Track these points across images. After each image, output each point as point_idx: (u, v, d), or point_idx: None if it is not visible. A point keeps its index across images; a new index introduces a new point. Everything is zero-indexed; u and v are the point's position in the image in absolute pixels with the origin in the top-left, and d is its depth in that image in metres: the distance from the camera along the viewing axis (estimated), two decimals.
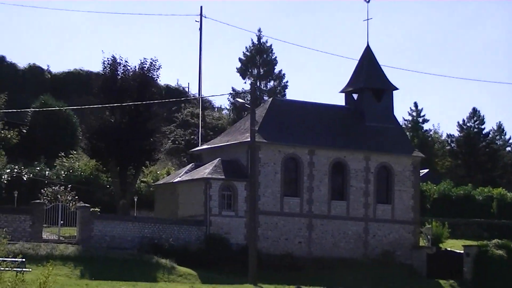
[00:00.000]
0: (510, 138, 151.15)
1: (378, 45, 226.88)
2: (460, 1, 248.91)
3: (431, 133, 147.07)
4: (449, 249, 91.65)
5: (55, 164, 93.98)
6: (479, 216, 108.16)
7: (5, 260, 57.96)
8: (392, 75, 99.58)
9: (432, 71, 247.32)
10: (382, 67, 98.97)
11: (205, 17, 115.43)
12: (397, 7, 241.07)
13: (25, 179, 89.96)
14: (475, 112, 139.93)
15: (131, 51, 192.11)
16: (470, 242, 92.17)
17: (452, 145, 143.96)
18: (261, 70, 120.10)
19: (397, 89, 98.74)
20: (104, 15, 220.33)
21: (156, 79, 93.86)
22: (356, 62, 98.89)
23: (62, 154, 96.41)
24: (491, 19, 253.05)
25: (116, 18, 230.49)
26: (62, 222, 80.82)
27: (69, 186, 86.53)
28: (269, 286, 70.72)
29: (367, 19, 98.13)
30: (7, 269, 56.50)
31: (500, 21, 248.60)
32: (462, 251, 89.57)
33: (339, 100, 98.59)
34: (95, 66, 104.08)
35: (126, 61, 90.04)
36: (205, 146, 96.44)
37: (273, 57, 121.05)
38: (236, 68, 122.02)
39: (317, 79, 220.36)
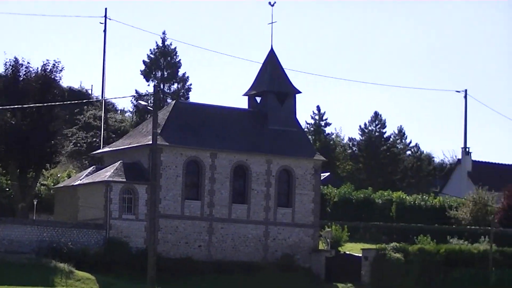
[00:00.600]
0: (410, 142, 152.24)
1: (282, 48, 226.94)
2: (363, 6, 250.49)
3: (333, 136, 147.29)
4: (347, 252, 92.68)
5: None
6: (378, 219, 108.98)
7: None
8: (295, 79, 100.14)
9: (336, 75, 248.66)
10: (286, 71, 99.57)
11: (109, 19, 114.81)
12: (303, 11, 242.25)
13: None
14: (376, 116, 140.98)
15: (34, 53, 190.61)
16: (369, 246, 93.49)
17: (354, 149, 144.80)
18: (165, 73, 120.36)
19: (300, 92, 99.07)
20: (5, 15, 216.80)
21: (59, 81, 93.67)
22: (260, 65, 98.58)
23: None
24: (393, 24, 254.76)
25: (19, 18, 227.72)
26: None
27: None
28: None
29: (271, 23, 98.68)
30: None
31: (401, 26, 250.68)
32: (360, 255, 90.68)
33: (243, 103, 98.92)
34: None
35: (28, 63, 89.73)
36: (106, 149, 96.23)
37: (177, 60, 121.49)
38: (140, 71, 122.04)
39: (221, 82, 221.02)
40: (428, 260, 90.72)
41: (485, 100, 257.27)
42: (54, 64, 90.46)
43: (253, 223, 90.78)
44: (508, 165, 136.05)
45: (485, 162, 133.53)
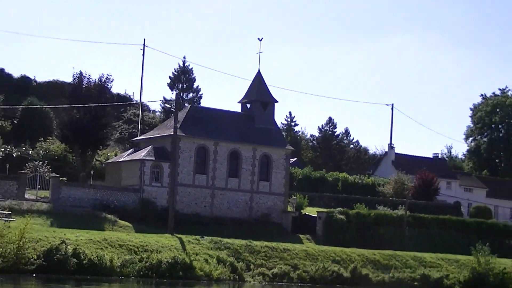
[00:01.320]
0: (353, 139, 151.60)
1: (267, 69, 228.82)
2: (325, 39, 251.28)
3: (299, 133, 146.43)
4: (307, 214, 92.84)
5: (36, 146, 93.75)
6: (329, 191, 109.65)
7: None
8: (275, 92, 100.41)
9: (303, 89, 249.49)
10: (268, 86, 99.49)
11: (147, 46, 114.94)
12: (283, 43, 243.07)
13: (15, 155, 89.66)
14: (330, 120, 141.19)
15: (93, 68, 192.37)
16: (322, 209, 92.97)
17: (314, 142, 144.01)
18: (184, 85, 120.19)
19: (277, 102, 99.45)
20: (73, 42, 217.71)
21: (110, 89, 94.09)
22: (250, 82, 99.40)
23: (42, 139, 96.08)
24: (346, 53, 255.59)
25: (85, 44, 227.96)
26: (39, 187, 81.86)
27: (45, 161, 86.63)
28: (181, 235, 71.66)
29: (259, 52, 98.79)
30: None
31: (356, 57, 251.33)
32: (316, 215, 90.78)
33: (237, 108, 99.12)
34: (67, 77, 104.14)
35: (89, 75, 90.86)
36: (142, 137, 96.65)
37: (192, 76, 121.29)
38: (167, 83, 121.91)
39: (223, 93, 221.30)
40: (362, 220, 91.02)
41: (406, 110, 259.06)
42: (107, 77, 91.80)
43: (242, 192, 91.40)
44: (420, 156, 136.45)
45: (404, 154, 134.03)
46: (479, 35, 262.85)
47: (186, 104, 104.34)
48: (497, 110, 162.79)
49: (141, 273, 61.24)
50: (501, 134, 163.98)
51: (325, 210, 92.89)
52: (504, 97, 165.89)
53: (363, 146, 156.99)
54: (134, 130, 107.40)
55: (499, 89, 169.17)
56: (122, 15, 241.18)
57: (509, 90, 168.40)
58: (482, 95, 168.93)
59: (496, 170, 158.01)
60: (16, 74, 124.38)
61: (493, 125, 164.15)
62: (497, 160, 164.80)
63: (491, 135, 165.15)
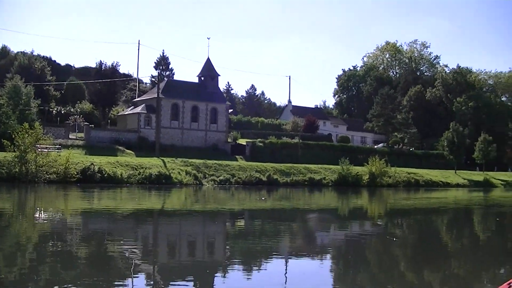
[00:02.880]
0: (267, 97, 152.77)
1: (214, 53, 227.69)
2: (254, 34, 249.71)
3: (234, 94, 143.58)
4: (240, 143, 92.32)
5: (75, 106, 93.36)
6: (253, 129, 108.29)
7: (51, 147, 59.06)
8: (218, 69, 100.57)
9: (237, 67, 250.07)
10: (215, 66, 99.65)
11: (140, 44, 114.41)
12: (225, 37, 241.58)
13: (63, 112, 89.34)
14: (252, 86, 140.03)
15: (108, 57, 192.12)
16: (249, 140, 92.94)
17: (243, 100, 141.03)
18: (163, 67, 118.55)
19: (220, 75, 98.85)
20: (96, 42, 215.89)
21: (118, 70, 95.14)
22: (203, 63, 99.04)
23: (78, 102, 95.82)
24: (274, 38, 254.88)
25: (103, 43, 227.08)
26: (77, 131, 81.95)
27: (81, 115, 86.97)
28: (164, 158, 71.80)
29: (208, 46, 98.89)
30: (52, 151, 57.74)
31: (268, 48, 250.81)
32: (245, 144, 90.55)
33: (196, 80, 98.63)
34: (93, 63, 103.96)
35: (105, 62, 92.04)
36: (138, 99, 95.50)
37: (168, 61, 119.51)
38: (153, 66, 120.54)
39: (188, 71, 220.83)
40: (273, 146, 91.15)
41: (299, 80, 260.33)
42: (117, 63, 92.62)
43: (200, 130, 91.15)
44: (307, 107, 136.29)
45: (298, 106, 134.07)
46: (342, 34, 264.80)
47: (165, 79, 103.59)
48: (351, 78, 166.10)
49: (139, 181, 61.76)
50: (354, 93, 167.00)
51: (250, 140, 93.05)
52: (355, 71, 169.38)
53: (272, 100, 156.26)
54: (134, 95, 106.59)
55: (352, 66, 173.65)
56: (122, 17, 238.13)
57: (358, 66, 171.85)
58: (343, 69, 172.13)
59: (351, 114, 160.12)
60: (62, 62, 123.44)
61: (349, 88, 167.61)
62: (352, 108, 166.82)
63: (348, 93, 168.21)
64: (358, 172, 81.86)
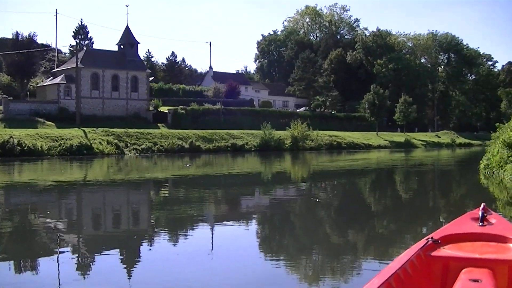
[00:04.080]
0: (187, 64, 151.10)
1: (133, 21, 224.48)
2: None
3: (155, 61, 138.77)
4: (161, 110, 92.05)
5: None
6: (174, 96, 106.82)
7: None
8: (137, 36, 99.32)
9: (156, 34, 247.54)
10: (134, 33, 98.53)
11: (58, 13, 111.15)
12: (145, 5, 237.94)
13: None
14: (173, 53, 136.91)
15: (26, 28, 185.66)
16: (170, 107, 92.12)
17: (164, 67, 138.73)
18: (82, 36, 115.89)
19: (139, 43, 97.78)
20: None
21: (36, 40, 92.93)
22: (122, 31, 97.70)
23: None
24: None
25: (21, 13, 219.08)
26: None
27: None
28: (85, 128, 71.31)
29: (127, 13, 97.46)
30: None
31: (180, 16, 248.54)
32: (167, 111, 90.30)
33: (115, 48, 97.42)
34: (9, 34, 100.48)
35: (22, 33, 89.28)
36: (58, 69, 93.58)
37: (87, 30, 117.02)
38: (72, 36, 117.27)
39: (106, 39, 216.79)
40: (195, 113, 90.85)
41: (220, 46, 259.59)
42: (34, 33, 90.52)
43: (121, 99, 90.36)
44: (228, 72, 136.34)
45: (219, 72, 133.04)
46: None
47: (84, 48, 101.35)
48: (272, 43, 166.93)
49: (60, 153, 61.19)
50: (275, 58, 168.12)
51: (172, 108, 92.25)
52: (275, 35, 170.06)
53: (193, 67, 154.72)
54: (53, 65, 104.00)
55: (273, 31, 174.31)
56: None
57: (278, 31, 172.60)
58: (262, 35, 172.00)
59: (273, 79, 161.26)
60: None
61: (269, 52, 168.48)
62: (273, 73, 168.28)
63: (269, 58, 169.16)
64: (280, 137, 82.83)
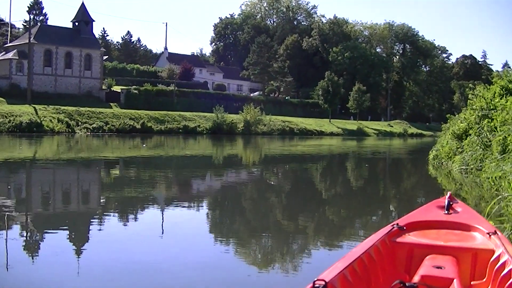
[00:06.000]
0: (143, 44, 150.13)
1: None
2: None
3: (110, 40, 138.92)
4: (115, 90, 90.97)
5: None
6: (128, 76, 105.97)
7: None
8: (92, 13, 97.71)
9: (112, 12, 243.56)
10: (90, 10, 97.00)
11: None
12: None
13: None
14: (128, 32, 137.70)
15: None
16: (123, 87, 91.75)
17: (119, 46, 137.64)
18: (37, 11, 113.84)
19: (94, 21, 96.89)
20: None
21: None
22: (78, 8, 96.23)
23: None
24: None
25: None
26: None
27: None
28: (36, 105, 70.03)
29: None
30: None
31: None
32: (120, 91, 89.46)
33: (70, 25, 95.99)
34: None
35: None
36: (10, 44, 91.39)
37: (42, 6, 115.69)
38: (26, 10, 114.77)
39: (63, 16, 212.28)
40: (148, 94, 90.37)
41: (177, 27, 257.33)
42: None
43: (74, 77, 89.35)
44: (183, 54, 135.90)
45: (174, 53, 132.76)
46: None
47: (38, 24, 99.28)
48: (228, 26, 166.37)
49: (10, 130, 60.34)
50: (231, 41, 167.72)
51: (125, 87, 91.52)
52: (232, 19, 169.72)
53: (149, 48, 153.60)
54: (6, 40, 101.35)
55: (230, 14, 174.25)
56: None
57: (235, 15, 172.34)
58: (219, 17, 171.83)
59: (228, 62, 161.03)
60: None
61: (226, 35, 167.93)
62: (229, 56, 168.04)
63: (225, 41, 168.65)
64: (233, 120, 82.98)
